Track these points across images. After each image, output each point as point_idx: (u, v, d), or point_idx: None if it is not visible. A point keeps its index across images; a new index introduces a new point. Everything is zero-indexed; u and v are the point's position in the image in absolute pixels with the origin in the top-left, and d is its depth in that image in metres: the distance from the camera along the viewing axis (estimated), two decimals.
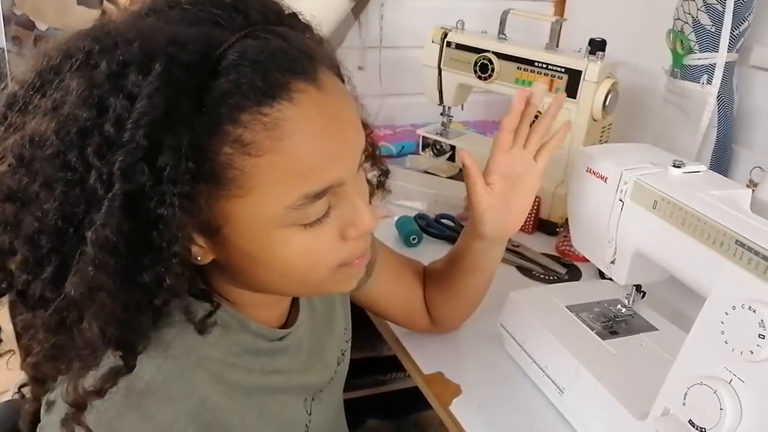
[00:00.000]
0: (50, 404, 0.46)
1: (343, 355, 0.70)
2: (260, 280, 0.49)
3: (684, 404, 0.53)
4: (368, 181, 0.60)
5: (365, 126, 0.51)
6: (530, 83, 1.11)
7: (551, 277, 0.96)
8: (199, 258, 0.47)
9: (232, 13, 0.45)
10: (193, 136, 0.41)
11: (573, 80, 1.05)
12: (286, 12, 0.49)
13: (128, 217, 0.40)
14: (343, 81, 0.50)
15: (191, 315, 0.48)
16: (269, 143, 0.42)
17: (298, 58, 0.44)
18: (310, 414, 0.61)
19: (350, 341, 0.73)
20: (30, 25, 1.17)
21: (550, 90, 1.08)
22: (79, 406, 0.43)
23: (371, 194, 0.59)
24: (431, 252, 1.00)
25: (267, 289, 0.51)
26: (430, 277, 0.78)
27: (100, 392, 0.43)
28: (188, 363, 0.48)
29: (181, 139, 0.40)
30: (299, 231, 0.46)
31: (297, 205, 0.44)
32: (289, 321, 0.60)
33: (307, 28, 0.50)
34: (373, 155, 0.60)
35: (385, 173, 0.63)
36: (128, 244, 0.40)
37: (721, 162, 1.09)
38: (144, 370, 0.46)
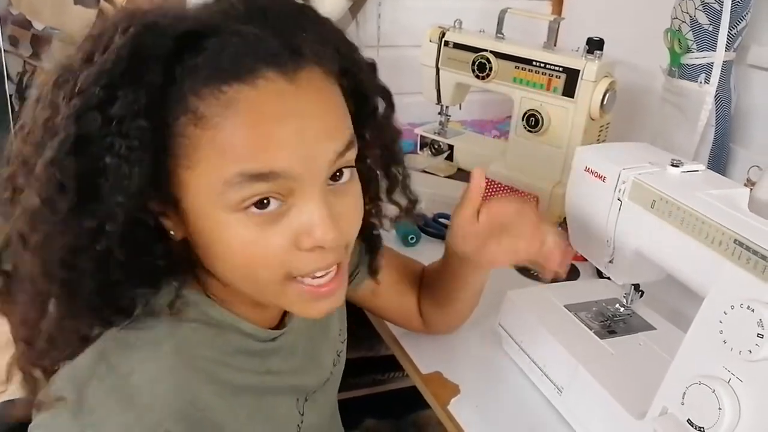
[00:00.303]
0: (39, 404, 0.46)
1: (338, 356, 0.70)
2: (217, 268, 0.49)
3: (682, 404, 0.53)
4: (395, 201, 0.63)
5: (393, 160, 0.57)
6: (528, 82, 1.11)
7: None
8: (172, 232, 0.49)
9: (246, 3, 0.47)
10: (154, 99, 0.43)
11: (571, 79, 1.05)
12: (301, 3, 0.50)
13: (76, 159, 0.42)
14: (344, 88, 0.50)
15: (169, 300, 0.49)
16: (218, 119, 0.43)
17: (277, 51, 0.45)
18: (302, 414, 0.61)
19: (346, 342, 0.72)
20: (26, 25, 1.16)
21: (548, 89, 1.08)
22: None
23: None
24: (429, 251, 1.00)
25: (228, 280, 0.50)
26: (423, 283, 0.78)
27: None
28: (179, 362, 0.48)
29: (137, 97, 0.42)
30: (244, 220, 0.45)
31: (233, 182, 0.43)
32: (283, 322, 0.60)
33: (317, 23, 0.50)
34: (402, 185, 0.62)
35: (412, 203, 0.65)
36: (76, 186, 0.43)
37: (719, 161, 1.09)
38: (133, 368, 0.45)
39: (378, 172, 0.61)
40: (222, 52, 0.44)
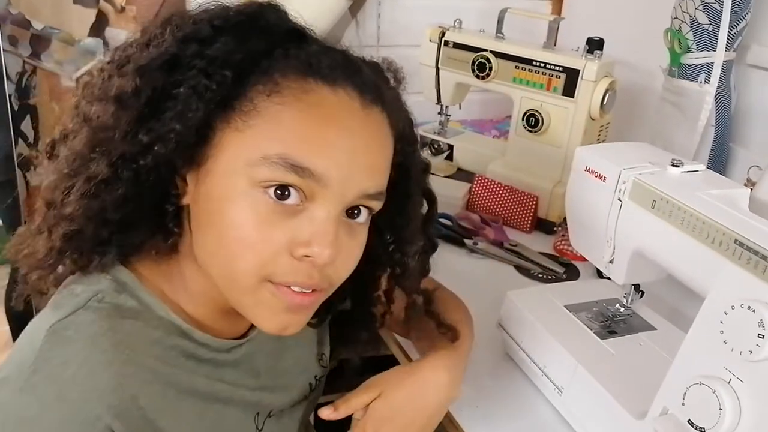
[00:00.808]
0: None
1: (317, 380, 0.68)
2: (202, 238, 0.49)
3: (683, 404, 0.53)
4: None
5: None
6: (528, 82, 1.11)
7: (549, 277, 0.96)
8: (181, 196, 0.50)
9: None
10: (246, 61, 0.47)
11: (571, 79, 1.05)
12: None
13: (160, 74, 0.46)
14: (395, 146, 0.53)
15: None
16: (291, 99, 0.46)
17: (365, 79, 0.50)
18: (260, 429, 0.59)
19: (327, 367, 0.70)
20: (26, 24, 1.16)
21: (548, 89, 1.08)
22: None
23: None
24: None
25: (200, 255, 0.50)
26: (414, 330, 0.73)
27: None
28: (119, 357, 0.46)
29: (235, 50, 0.47)
30: (259, 200, 0.46)
31: (272, 161, 0.45)
32: (246, 336, 0.58)
33: (398, 96, 0.56)
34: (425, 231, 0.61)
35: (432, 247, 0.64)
36: (148, 95, 0.46)
37: (719, 161, 1.09)
38: (71, 361, 0.45)
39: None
40: (323, 56, 0.48)
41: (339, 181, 0.47)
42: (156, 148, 0.46)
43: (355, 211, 0.50)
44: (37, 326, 0.47)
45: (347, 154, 0.47)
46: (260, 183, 0.46)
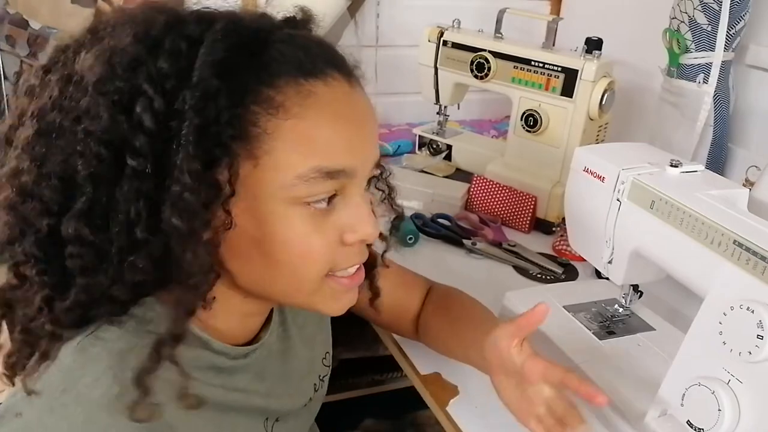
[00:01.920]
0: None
1: (321, 380, 0.69)
2: (252, 268, 0.48)
3: (682, 405, 0.53)
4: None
5: None
6: (526, 82, 1.11)
7: (548, 277, 0.96)
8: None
9: None
10: (241, 90, 0.44)
11: (569, 79, 1.05)
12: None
13: (201, 150, 0.42)
14: None
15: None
16: (297, 109, 0.45)
17: (341, 57, 0.50)
18: None
19: (331, 366, 0.71)
20: (23, 24, 1.16)
21: (546, 89, 1.08)
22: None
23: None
24: (428, 251, 1.01)
25: (256, 282, 0.49)
26: (432, 305, 0.74)
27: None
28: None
29: (236, 87, 0.43)
30: (303, 214, 0.46)
31: (308, 177, 0.45)
32: (256, 338, 0.58)
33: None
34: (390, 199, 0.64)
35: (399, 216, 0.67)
36: (204, 176, 0.43)
37: (718, 161, 1.09)
38: (98, 380, 0.43)
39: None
40: (299, 49, 0.46)
41: (362, 166, 0.49)
42: (222, 218, 0.45)
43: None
44: (62, 343, 0.46)
45: (362, 139, 0.49)
46: (300, 200, 0.46)
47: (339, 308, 0.54)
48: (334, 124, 0.46)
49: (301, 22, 0.53)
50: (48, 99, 0.45)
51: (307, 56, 0.46)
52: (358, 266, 0.53)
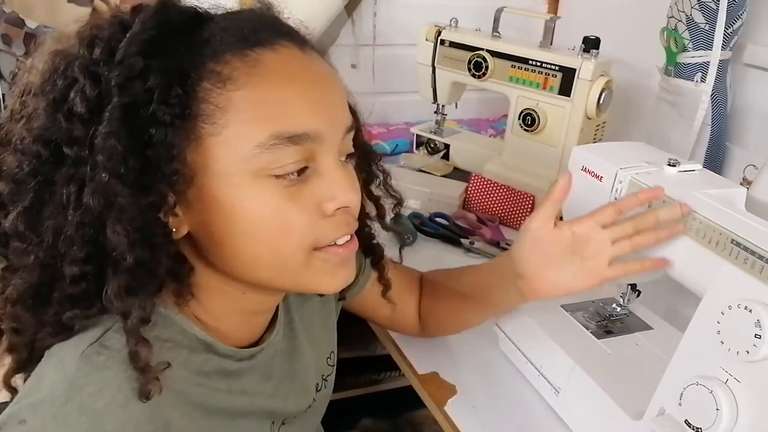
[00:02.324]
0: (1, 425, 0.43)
1: (324, 380, 0.68)
2: (232, 250, 0.47)
3: (680, 404, 0.53)
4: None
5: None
6: (524, 81, 1.11)
7: None
8: (174, 230, 0.47)
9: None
10: (182, 68, 0.44)
11: (567, 78, 1.05)
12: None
13: (127, 129, 0.42)
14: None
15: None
16: (246, 78, 0.44)
17: (288, 27, 0.49)
18: None
19: (335, 366, 0.70)
20: (20, 23, 1.15)
21: (544, 88, 1.08)
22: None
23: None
24: (425, 251, 1.00)
25: (239, 267, 0.48)
26: (429, 288, 0.76)
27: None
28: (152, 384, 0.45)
29: (171, 65, 0.43)
30: (274, 187, 0.45)
31: (269, 144, 0.44)
32: (262, 339, 0.58)
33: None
34: (370, 156, 0.61)
35: (399, 202, 0.66)
36: (132, 156, 0.42)
37: (715, 160, 1.09)
38: (102, 390, 0.43)
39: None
40: (242, 24, 0.46)
41: (329, 129, 0.47)
42: (169, 199, 0.44)
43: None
44: (66, 350, 0.45)
45: (324, 101, 0.47)
46: (266, 170, 0.45)
47: (336, 283, 0.51)
48: (287, 88, 0.45)
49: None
50: (9, 111, 0.47)
51: (250, 28, 0.46)
52: (348, 237, 0.50)
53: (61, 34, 0.47)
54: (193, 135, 0.44)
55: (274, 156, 0.44)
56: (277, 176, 0.45)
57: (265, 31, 0.47)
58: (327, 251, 0.49)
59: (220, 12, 0.49)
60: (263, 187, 0.45)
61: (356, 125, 0.53)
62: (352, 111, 0.54)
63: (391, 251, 0.71)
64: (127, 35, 0.44)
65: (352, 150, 0.52)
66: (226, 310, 0.52)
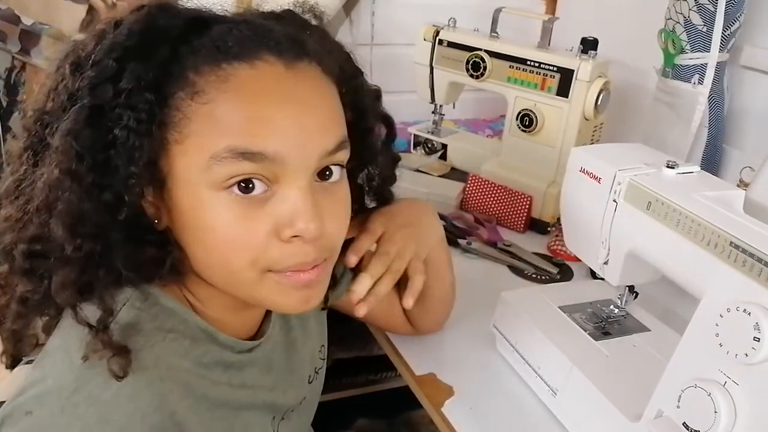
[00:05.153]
0: (5, 416, 0.43)
1: (316, 373, 0.68)
2: (192, 255, 0.48)
3: (678, 406, 0.53)
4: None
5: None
6: (522, 82, 1.10)
7: (543, 277, 0.96)
8: (156, 221, 0.48)
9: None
10: (159, 76, 0.44)
11: (565, 79, 1.05)
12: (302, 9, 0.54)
13: (91, 129, 0.44)
14: (343, 96, 0.52)
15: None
16: (215, 93, 0.44)
17: (280, 39, 0.47)
18: None
19: (326, 360, 0.71)
20: (15, 20, 1.15)
21: (542, 89, 1.08)
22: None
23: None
24: None
25: (203, 270, 0.49)
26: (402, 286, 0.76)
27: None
28: (158, 374, 0.46)
29: (145, 71, 0.44)
30: (228, 200, 0.45)
31: (221, 157, 0.44)
32: (259, 332, 0.58)
33: (325, 36, 0.54)
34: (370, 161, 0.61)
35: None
36: (90, 156, 0.44)
37: (712, 162, 1.10)
38: (110, 380, 0.43)
39: (366, 188, 0.64)
40: (227, 35, 0.46)
41: (295, 154, 0.45)
42: (126, 198, 0.45)
43: (327, 172, 0.49)
44: (70, 341, 0.45)
45: (292, 123, 0.45)
46: (221, 184, 0.45)
47: (292, 304, 0.49)
48: (252, 105, 0.44)
49: (269, 15, 0.52)
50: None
51: (240, 40, 0.46)
52: (310, 266, 0.48)
53: (100, 21, 0.49)
54: (163, 141, 0.45)
55: (225, 170, 0.44)
56: (236, 192, 0.45)
57: (252, 42, 0.46)
58: (281, 275, 0.48)
59: (228, 14, 0.49)
60: (218, 200, 0.45)
61: (366, 130, 0.55)
62: (363, 113, 0.55)
63: None
64: (110, 37, 0.45)
65: (342, 164, 0.50)
66: (217, 302, 0.52)
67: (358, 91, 0.56)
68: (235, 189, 0.45)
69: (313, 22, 0.54)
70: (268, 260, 0.47)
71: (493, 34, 1.17)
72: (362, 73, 0.58)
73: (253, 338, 0.57)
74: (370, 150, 0.60)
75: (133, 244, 0.46)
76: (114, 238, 0.45)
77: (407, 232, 0.66)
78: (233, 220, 0.45)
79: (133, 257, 0.46)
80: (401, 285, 0.75)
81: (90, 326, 0.44)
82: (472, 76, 1.16)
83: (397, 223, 0.66)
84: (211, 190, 0.45)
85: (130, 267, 0.46)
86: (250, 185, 0.45)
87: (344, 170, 0.51)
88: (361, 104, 0.56)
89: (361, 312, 0.63)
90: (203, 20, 0.47)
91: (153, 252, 0.48)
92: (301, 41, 0.48)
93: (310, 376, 0.67)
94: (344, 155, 0.50)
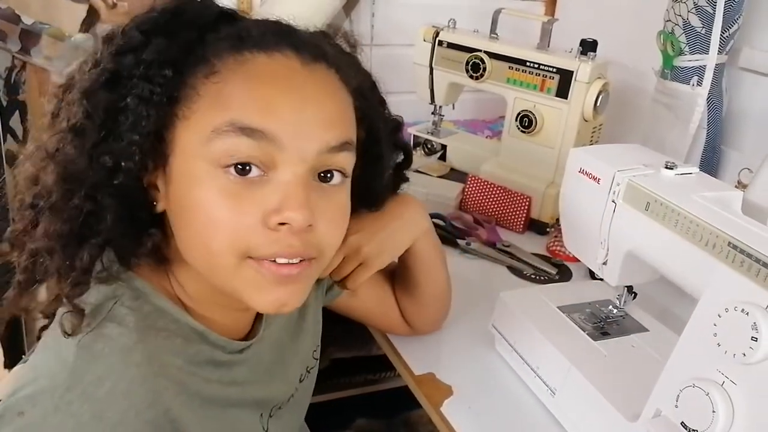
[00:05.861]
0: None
1: (308, 372, 0.69)
2: (177, 231, 0.49)
3: (676, 406, 0.53)
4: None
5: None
6: (522, 83, 1.11)
7: (542, 277, 0.96)
8: (155, 203, 0.50)
9: None
10: (181, 55, 0.47)
11: (564, 80, 1.05)
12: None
13: (105, 92, 0.46)
14: (357, 109, 0.53)
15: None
16: (229, 74, 0.46)
17: (304, 39, 0.50)
18: (266, 430, 0.59)
19: (318, 360, 0.71)
20: (15, 19, 1.15)
21: (541, 90, 1.08)
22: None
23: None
24: None
25: (183, 250, 0.49)
26: (396, 285, 0.77)
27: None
28: (151, 370, 0.46)
29: (170, 49, 0.47)
30: (222, 179, 0.45)
31: (222, 130, 0.45)
32: (252, 332, 0.58)
33: (351, 55, 0.57)
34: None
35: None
36: (99, 118, 0.46)
37: (711, 163, 1.10)
38: (103, 378, 0.43)
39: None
40: (254, 28, 0.49)
41: (293, 138, 0.46)
42: (123, 165, 0.46)
43: (328, 175, 0.49)
44: (62, 340, 0.45)
45: (295, 110, 0.46)
46: (219, 160, 0.45)
47: (267, 301, 0.48)
48: (261, 87, 0.46)
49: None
50: None
51: (264, 34, 0.49)
52: (292, 258, 0.47)
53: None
54: (171, 115, 0.47)
55: (225, 144, 0.45)
56: (231, 172, 0.45)
57: (275, 37, 0.48)
58: (261, 264, 0.46)
59: (254, 17, 0.52)
60: (213, 177, 0.46)
61: (377, 157, 0.57)
62: (378, 141, 0.57)
63: None
64: (143, 13, 0.49)
65: (343, 170, 0.50)
66: (207, 299, 0.52)
67: (375, 115, 0.57)
68: (232, 170, 0.45)
69: (347, 48, 0.57)
70: (250, 244, 0.46)
71: (492, 35, 1.17)
72: (386, 103, 0.60)
73: (245, 338, 0.57)
74: (378, 178, 0.61)
75: (123, 212, 0.47)
76: (105, 202, 0.46)
77: (381, 236, 0.66)
78: (222, 199, 0.45)
79: (119, 225, 0.47)
80: (396, 285, 0.76)
81: (61, 288, 0.46)
82: (471, 77, 1.16)
83: (371, 232, 0.65)
84: (208, 165, 0.46)
85: (113, 234, 0.47)
86: (247, 168, 0.46)
87: (346, 180, 0.51)
88: (375, 127, 0.57)
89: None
90: (234, 16, 0.51)
91: (140, 226, 0.49)
92: (323, 49, 0.50)
93: (301, 375, 0.67)
94: (346, 159, 0.50)
